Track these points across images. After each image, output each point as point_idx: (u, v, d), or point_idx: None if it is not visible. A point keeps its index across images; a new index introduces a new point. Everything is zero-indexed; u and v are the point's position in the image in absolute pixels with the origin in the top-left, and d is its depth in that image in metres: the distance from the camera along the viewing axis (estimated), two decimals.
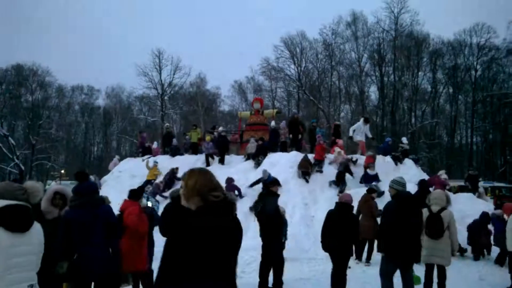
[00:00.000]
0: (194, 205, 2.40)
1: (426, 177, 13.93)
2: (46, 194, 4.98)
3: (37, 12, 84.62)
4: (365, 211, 9.03)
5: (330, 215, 6.13)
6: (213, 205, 2.35)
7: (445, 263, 6.22)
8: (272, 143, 16.33)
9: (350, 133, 15.49)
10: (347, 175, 13.13)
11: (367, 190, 9.63)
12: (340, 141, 15.28)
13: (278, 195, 6.72)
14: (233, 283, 2.47)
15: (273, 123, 17.33)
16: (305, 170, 13.53)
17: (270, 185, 6.72)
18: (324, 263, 8.89)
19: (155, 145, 19.76)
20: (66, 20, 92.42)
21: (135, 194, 6.09)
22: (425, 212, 6.16)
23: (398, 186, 5.45)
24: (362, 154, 14.91)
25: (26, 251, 3.09)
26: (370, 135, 15.31)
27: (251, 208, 6.46)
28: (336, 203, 6.54)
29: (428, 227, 6.06)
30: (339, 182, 12.74)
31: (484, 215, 10.15)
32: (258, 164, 14.83)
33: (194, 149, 17.64)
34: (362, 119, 15.70)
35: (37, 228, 3.25)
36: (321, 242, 6.06)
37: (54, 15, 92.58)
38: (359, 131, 14.95)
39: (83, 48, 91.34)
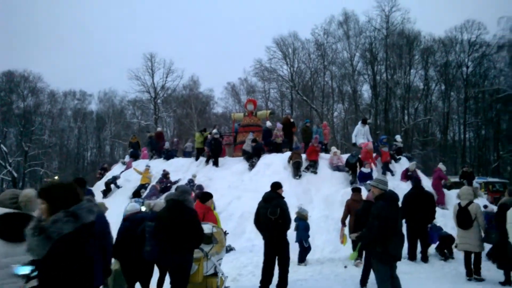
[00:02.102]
0: None
1: (420, 174, 13.98)
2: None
3: (28, 18, 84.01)
4: (355, 211, 8.97)
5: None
6: None
7: (477, 250, 7.35)
8: (266, 144, 16.35)
9: (353, 140, 15.21)
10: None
11: (352, 189, 9.56)
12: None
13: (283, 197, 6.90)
14: None
15: (268, 123, 17.29)
16: (297, 161, 13.55)
17: (276, 188, 6.84)
18: (321, 264, 8.88)
19: (127, 158, 19.73)
20: (57, 25, 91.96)
21: (203, 197, 6.68)
22: (455, 207, 7.69)
23: (384, 186, 5.41)
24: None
25: (22, 261, 3.00)
26: (370, 138, 14.99)
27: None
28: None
29: (458, 219, 7.44)
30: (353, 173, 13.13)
31: None
32: (252, 165, 14.78)
33: (199, 152, 17.29)
34: (360, 121, 15.52)
35: None
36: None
37: (44, 21, 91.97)
38: (360, 134, 14.70)
39: (75, 53, 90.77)
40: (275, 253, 6.61)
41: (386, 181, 5.53)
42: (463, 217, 7.37)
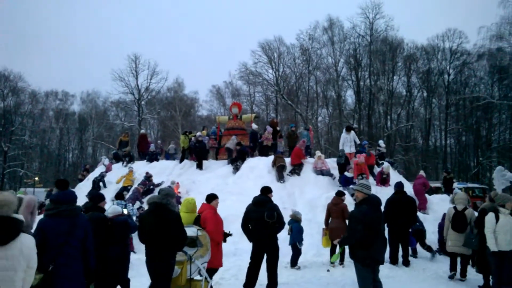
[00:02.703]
0: None
1: (402, 179, 14.15)
2: (25, 204, 4.78)
3: (8, 16, 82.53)
4: (335, 214, 9.09)
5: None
6: None
7: (468, 252, 7.69)
8: (252, 147, 16.40)
9: (340, 147, 15.19)
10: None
11: (336, 193, 9.68)
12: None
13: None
14: None
15: (254, 125, 17.30)
16: (281, 164, 13.62)
17: (267, 192, 6.99)
18: (304, 267, 8.91)
19: (106, 161, 18.97)
20: (38, 24, 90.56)
21: (209, 198, 6.65)
22: (450, 210, 7.97)
23: (367, 191, 5.47)
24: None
25: (5, 266, 2.93)
26: (358, 141, 14.85)
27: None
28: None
29: (454, 222, 7.71)
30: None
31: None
32: (236, 169, 14.77)
33: (185, 154, 17.16)
34: (344, 129, 15.29)
35: (24, 241, 3.09)
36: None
37: (26, 20, 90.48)
38: (347, 141, 14.62)
39: (57, 53, 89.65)
40: (263, 255, 6.66)
41: (370, 186, 5.59)
42: (460, 221, 7.65)
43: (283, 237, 9.11)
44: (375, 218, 5.21)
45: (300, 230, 8.89)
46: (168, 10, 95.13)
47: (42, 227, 4.22)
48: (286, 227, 8.81)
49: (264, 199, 6.80)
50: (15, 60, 74.14)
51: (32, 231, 4.33)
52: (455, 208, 7.90)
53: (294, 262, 8.84)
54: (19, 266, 3.02)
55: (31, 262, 3.12)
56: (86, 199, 10.70)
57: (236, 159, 15.19)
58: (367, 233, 5.13)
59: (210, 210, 6.39)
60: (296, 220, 8.99)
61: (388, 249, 8.46)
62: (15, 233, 3.04)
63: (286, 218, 11.22)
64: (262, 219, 6.51)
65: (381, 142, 17.96)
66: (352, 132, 14.69)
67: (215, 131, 18.79)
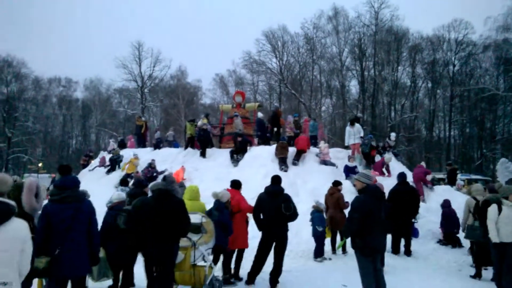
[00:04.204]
0: None
1: (406, 170, 14.14)
2: (26, 187, 4.80)
3: (12, 2, 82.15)
4: (332, 204, 9.19)
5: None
6: None
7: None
8: (261, 135, 16.38)
9: (346, 143, 15.05)
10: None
11: (332, 183, 9.71)
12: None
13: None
14: None
15: (260, 114, 17.25)
16: (283, 157, 13.63)
17: (279, 182, 7.05)
18: (306, 255, 8.96)
19: (100, 154, 19.22)
20: (42, 10, 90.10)
21: (236, 184, 7.33)
22: (470, 201, 8.05)
23: (365, 180, 5.46)
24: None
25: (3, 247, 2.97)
26: (362, 134, 14.60)
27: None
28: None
29: (478, 212, 7.44)
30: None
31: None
32: (237, 161, 14.55)
33: (191, 142, 17.07)
34: (348, 123, 15.27)
35: (16, 225, 3.13)
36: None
37: (29, 5, 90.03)
38: (351, 135, 14.53)
39: (60, 39, 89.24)
40: (273, 244, 6.70)
41: (369, 175, 5.59)
42: (483, 211, 7.42)
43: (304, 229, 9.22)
44: (372, 207, 5.21)
45: (322, 219, 8.81)
46: None
47: (46, 213, 4.26)
48: (308, 218, 8.92)
49: (278, 189, 6.80)
50: (18, 46, 74.03)
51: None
52: (474, 198, 7.96)
53: (317, 253, 8.72)
54: (14, 249, 3.05)
55: (25, 245, 3.14)
56: (88, 185, 10.77)
57: (237, 151, 14.93)
58: (364, 222, 5.14)
59: (241, 195, 7.16)
60: (318, 210, 8.91)
61: (390, 238, 8.53)
62: (6, 217, 3.06)
63: None
64: (278, 210, 6.51)
65: (392, 135, 17.78)
66: (356, 124, 14.61)
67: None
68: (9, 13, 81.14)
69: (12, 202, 3.20)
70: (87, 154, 21.02)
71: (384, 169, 13.71)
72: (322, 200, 9.42)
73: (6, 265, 3.00)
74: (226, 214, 6.56)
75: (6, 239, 3.01)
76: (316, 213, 8.87)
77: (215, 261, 6.69)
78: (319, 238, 8.71)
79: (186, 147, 17.05)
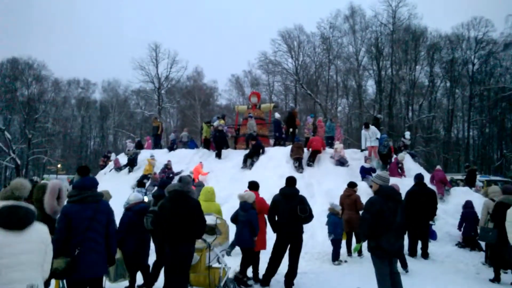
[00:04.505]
0: None
1: (423, 171, 13.97)
2: (49, 189, 4.89)
3: (33, 6, 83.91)
4: (349, 205, 9.09)
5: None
6: None
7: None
8: (278, 136, 16.46)
9: (363, 146, 15.00)
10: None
11: (348, 184, 9.60)
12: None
13: None
14: None
15: (277, 114, 17.24)
16: (298, 156, 13.60)
17: (295, 183, 7.06)
18: (321, 257, 8.93)
19: (112, 156, 19.55)
20: (61, 13, 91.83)
21: (254, 185, 7.45)
22: (489, 203, 7.92)
23: (379, 181, 5.43)
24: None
25: (24, 249, 3.05)
26: (378, 136, 14.45)
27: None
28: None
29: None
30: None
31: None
32: (251, 165, 14.42)
33: (206, 144, 17.21)
34: (363, 126, 15.20)
35: (38, 228, 3.22)
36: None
37: (49, 9, 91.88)
38: (367, 138, 14.44)
39: (79, 42, 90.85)
40: (288, 247, 6.67)
41: (385, 177, 5.54)
42: (497, 213, 7.29)
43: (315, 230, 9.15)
44: (384, 208, 5.15)
45: (336, 223, 8.62)
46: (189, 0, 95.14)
47: (66, 213, 4.30)
48: (323, 220, 8.87)
49: (293, 191, 6.77)
50: (39, 49, 75.50)
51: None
52: (492, 200, 7.84)
53: (334, 257, 8.60)
54: (39, 252, 3.16)
55: (46, 246, 3.23)
56: (106, 186, 10.93)
57: (250, 155, 14.77)
58: (376, 222, 5.11)
59: (260, 197, 7.26)
60: (334, 213, 8.75)
61: (406, 241, 8.42)
62: (30, 221, 3.16)
63: None
64: (294, 212, 6.50)
65: (407, 134, 17.66)
66: (372, 127, 14.53)
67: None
68: (30, 17, 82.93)
69: (32, 207, 3.28)
70: (106, 155, 21.32)
71: (398, 169, 13.59)
72: (336, 202, 9.33)
73: (33, 268, 3.09)
74: (254, 214, 6.69)
75: (30, 242, 3.10)
76: (332, 216, 8.73)
77: (247, 263, 6.79)
78: (335, 241, 8.60)
79: (204, 147, 17.18)
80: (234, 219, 6.96)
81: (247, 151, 15.42)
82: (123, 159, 18.39)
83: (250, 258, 6.91)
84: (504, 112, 39.28)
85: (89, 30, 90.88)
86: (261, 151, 14.96)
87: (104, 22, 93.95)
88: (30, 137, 44.18)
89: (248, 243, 6.71)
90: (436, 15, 57.46)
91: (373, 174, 12.80)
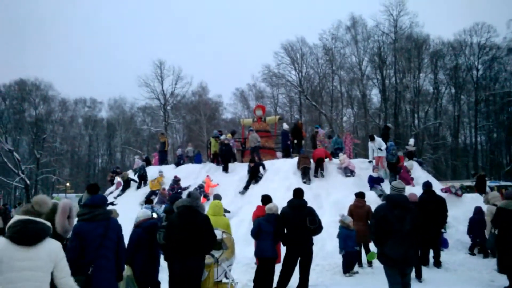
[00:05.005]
0: None
1: (431, 179, 13.88)
2: (60, 209, 4.92)
3: (38, 27, 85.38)
4: (360, 217, 8.93)
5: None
6: None
7: None
8: (286, 147, 16.51)
9: (370, 158, 14.96)
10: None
11: (356, 195, 9.40)
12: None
13: None
14: None
15: (285, 125, 17.26)
16: (306, 166, 13.55)
17: (302, 195, 7.10)
18: (332, 269, 8.84)
19: (116, 179, 19.39)
20: (66, 34, 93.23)
21: (267, 199, 7.60)
22: (492, 208, 8.27)
23: (390, 190, 5.50)
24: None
25: (31, 266, 3.06)
26: (384, 146, 14.33)
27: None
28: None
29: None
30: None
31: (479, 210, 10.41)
32: (246, 188, 13.90)
33: (215, 158, 17.07)
34: (369, 139, 15.23)
35: (50, 245, 3.23)
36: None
37: (54, 30, 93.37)
38: (374, 149, 14.45)
39: (85, 61, 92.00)
40: (298, 259, 6.65)
41: (397, 187, 5.51)
42: (497, 219, 7.27)
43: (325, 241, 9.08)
44: (389, 215, 5.14)
45: (347, 236, 8.39)
46: (191, 16, 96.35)
47: (78, 232, 4.32)
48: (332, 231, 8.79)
49: (302, 203, 6.77)
50: (45, 70, 76.55)
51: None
52: (495, 205, 7.94)
53: (346, 268, 8.43)
54: (46, 268, 3.15)
55: (58, 267, 3.23)
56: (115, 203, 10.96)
57: (251, 178, 14.17)
58: (379, 228, 5.15)
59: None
60: (344, 226, 8.56)
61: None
62: (42, 237, 3.17)
63: None
64: (303, 224, 6.48)
65: (411, 141, 17.61)
66: (377, 138, 14.54)
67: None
68: (36, 38, 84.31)
69: (48, 223, 3.31)
70: (114, 170, 21.42)
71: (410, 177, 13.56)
72: (345, 212, 9.23)
73: (39, 285, 3.10)
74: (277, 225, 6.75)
75: (38, 260, 3.11)
76: (342, 228, 8.54)
77: (270, 274, 6.71)
78: (347, 253, 8.40)
79: (212, 162, 17.21)
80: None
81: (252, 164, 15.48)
82: (130, 175, 18.51)
83: (269, 270, 6.80)
84: (511, 117, 39.03)
85: (94, 49, 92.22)
86: (261, 168, 14.57)
87: (109, 41, 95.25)
88: (39, 157, 44.58)
89: (272, 253, 6.71)
90: (437, 22, 57.71)
91: (381, 183, 12.82)
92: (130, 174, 18.64)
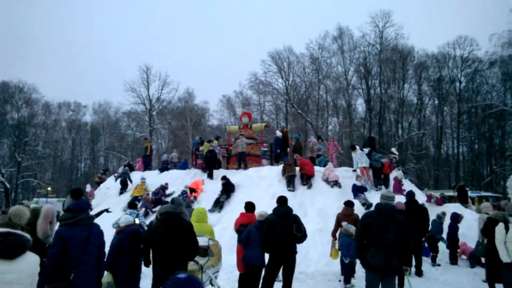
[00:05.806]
0: None
1: (414, 188, 14.04)
2: (43, 214, 4.82)
3: (23, 29, 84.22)
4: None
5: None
6: None
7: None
8: (277, 153, 16.65)
9: (354, 167, 14.91)
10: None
11: (345, 203, 9.34)
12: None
13: None
14: None
15: (278, 132, 17.33)
16: (292, 174, 13.60)
17: (287, 202, 7.09)
18: (315, 277, 8.84)
19: (88, 188, 19.30)
20: (52, 36, 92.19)
21: (251, 207, 7.57)
22: (484, 217, 8.28)
23: (380, 199, 5.56)
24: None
25: (12, 279, 3.00)
26: (363, 159, 14.39)
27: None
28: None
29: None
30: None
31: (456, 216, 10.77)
32: (220, 208, 13.18)
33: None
34: (351, 149, 15.37)
35: (30, 259, 3.17)
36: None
37: (40, 32, 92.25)
38: (357, 160, 14.57)
39: (70, 64, 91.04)
40: (281, 266, 6.65)
41: (385, 195, 5.56)
42: (488, 229, 7.31)
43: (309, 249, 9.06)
44: (374, 223, 5.24)
45: (349, 244, 8.22)
46: (179, 21, 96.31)
47: (62, 237, 4.25)
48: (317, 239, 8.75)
49: (287, 210, 6.76)
50: (29, 72, 75.40)
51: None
52: (487, 214, 8.13)
53: (346, 279, 8.29)
54: (27, 281, 3.10)
55: (33, 279, 3.19)
56: (98, 208, 10.79)
57: (219, 196, 13.52)
58: (363, 234, 5.30)
59: (248, 220, 7.31)
60: (346, 234, 8.43)
61: None
62: (23, 250, 3.11)
63: None
64: (290, 231, 6.46)
65: (393, 150, 17.87)
66: (357, 149, 14.69)
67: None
68: (20, 40, 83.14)
69: (27, 236, 3.25)
70: (104, 171, 21.26)
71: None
72: (331, 220, 9.19)
73: None
74: None
75: (21, 272, 3.05)
76: (344, 237, 8.44)
77: (256, 282, 6.66)
78: (349, 263, 8.27)
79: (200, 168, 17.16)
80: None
81: (239, 171, 15.45)
82: (110, 182, 18.29)
83: (255, 278, 6.74)
84: (492, 129, 39.87)
85: (79, 52, 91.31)
86: (231, 192, 13.91)
87: (95, 45, 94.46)
88: (20, 161, 43.74)
89: (261, 261, 6.68)
90: (422, 35, 58.80)
91: (365, 192, 12.93)
92: (111, 180, 18.41)
